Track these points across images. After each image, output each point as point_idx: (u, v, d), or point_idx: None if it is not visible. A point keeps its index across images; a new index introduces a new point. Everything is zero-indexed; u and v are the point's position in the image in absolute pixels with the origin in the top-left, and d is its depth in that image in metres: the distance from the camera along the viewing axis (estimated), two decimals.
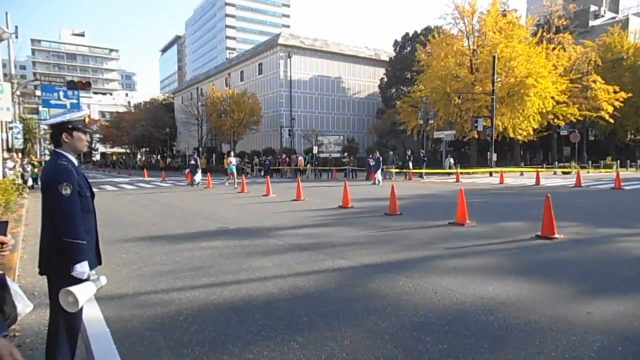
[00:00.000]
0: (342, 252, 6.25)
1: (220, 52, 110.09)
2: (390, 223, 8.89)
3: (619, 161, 34.57)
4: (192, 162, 21.25)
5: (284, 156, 33.08)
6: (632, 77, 36.91)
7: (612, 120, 34.54)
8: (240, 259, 5.93)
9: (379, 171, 21.61)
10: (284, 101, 43.89)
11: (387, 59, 45.87)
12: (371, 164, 22.42)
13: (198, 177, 20.99)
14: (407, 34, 43.16)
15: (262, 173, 30.98)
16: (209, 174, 22.30)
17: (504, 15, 31.56)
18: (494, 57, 27.28)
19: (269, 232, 7.99)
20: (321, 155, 35.07)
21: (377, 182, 21.03)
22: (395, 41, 43.92)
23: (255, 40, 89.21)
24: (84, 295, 2.34)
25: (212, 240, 7.32)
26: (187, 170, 23.58)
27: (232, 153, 21.64)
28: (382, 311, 3.86)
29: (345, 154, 31.72)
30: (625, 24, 49.08)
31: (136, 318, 3.81)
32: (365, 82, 48.27)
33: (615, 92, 33.98)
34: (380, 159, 22.43)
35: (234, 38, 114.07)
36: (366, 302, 4.12)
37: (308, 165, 30.82)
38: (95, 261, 2.66)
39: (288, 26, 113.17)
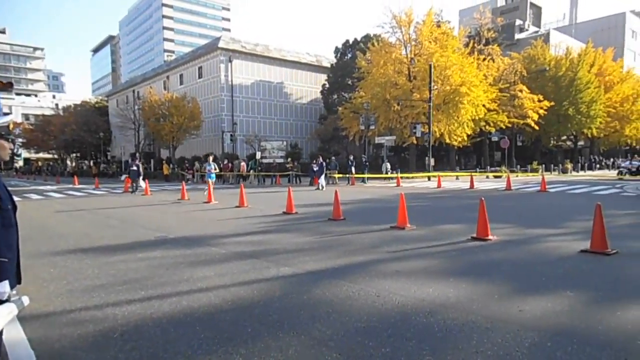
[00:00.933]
0: (286, 260, 6.20)
1: (158, 55, 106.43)
2: (334, 228, 8.96)
3: (543, 165, 37.22)
4: (134, 167, 20.33)
5: (226, 162, 32.45)
6: (554, 87, 39.94)
7: (537, 127, 37.22)
8: (180, 270, 5.71)
9: (323, 176, 21.80)
10: (226, 106, 43.15)
11: (328, 65, 46.49)
12: (315, 169, 22.57)
13: (142, 183, 20.18)
14: (347, 41, 44.01)
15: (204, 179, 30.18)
16: (146, 180, 21.38)
17: (439, 26, 33.09)
18: (430, 65, 28.49)
19: (211, 241, 7.77)
20: (264, 160, 34.80)
21: (320, 188, 21.18)
22: (336, 48, 44.65)
23: (194, 43, 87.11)
24: (3, 317, 2.13)
25: (151, 251, 6.99)
26: (125, 177, 22.51)
27: (210, 157, 18.33)
28: (327, 318, 3.86)
29: (289, 159, 31.68)
30: (547, 37, 53.10)
31: (65, 338, 3.53)
32: (307, 87, 48.62)
33: (539, 100, 36.65)
34: (324, 164, 22.66)
35: (172, 40, 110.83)
36: (311, 309, 4.10)
37: (251, 171, 30.47)
38: (15, 280, 2.43)
39: (228, 30, 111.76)
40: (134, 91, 54.25)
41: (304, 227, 9.28)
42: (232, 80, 42.93)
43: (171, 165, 37.80)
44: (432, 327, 3.61)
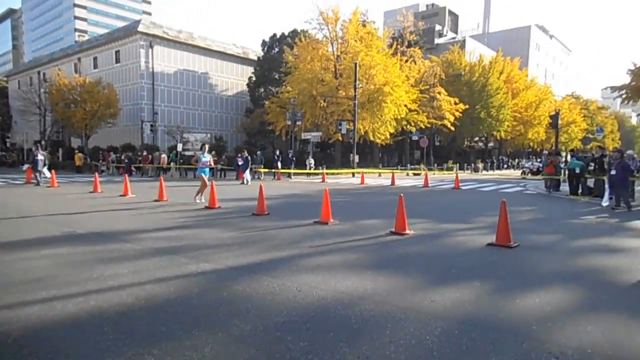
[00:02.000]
0: (206, 255, 6.02)
1: (68, 34, 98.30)
2: (258, 223, 8.86)
3: (458, 164, 39.76)
4: (39, 157, 18.59)
5: (145, 153, 30.79)
6: (468, 91, 42.76)
7: (453, 128, 39.65)
8: (89, 267, 5.31)
9: (248, 171, 21.49)
10: (146, 94, 40.89)
11: (255, 58, 45.81)
12: (240, 163, 22.17)
13: (47, 173, 18.54)
14: (274, 34, 43.65)
15: (121, 171, 28.46)
16: (53, 171, 19.66)
17: (364, 26, 33.93)
18: (355, 64, 29.15)
19: (126, 236, 7.33)
20: (187, 153, 33.53)
21: (245, 182, 20.87)
22: (264, 41, 44.11)
23: (111, 25, 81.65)
24: None
25: (56, 247, 6.43)
26: (27, 167, 20.54)
27: (206, 147, 12.84)
28: (246, 314, 3.80)
29: (213, 152, 30.79)
30: (463, 44, 56.68)
31: None
32: (234, 79, 47.54)
33: (455, 103, 39.04)
34: (249, 158, 22.34)
35: (84, 19, 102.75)
36: (230, 306, 4.02)
37: (172, 164, 29.20)
38: None
39: (149, 13, 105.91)
40: (39, 72, 49.53)
41: (227, 222, 9.08)
42: (153, 68, 40.75)
43: (83, 156, 35.05)
44: (349, 319, 3.70)
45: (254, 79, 43.91)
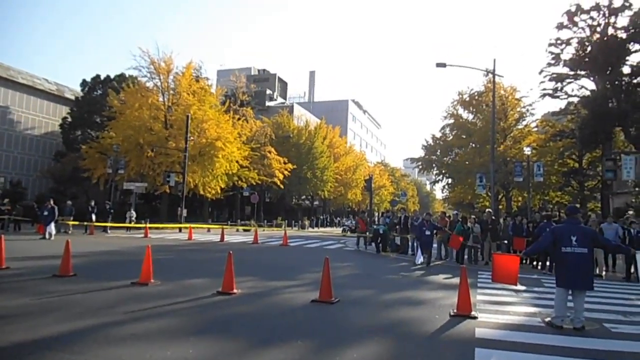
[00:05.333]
0: None
1: None
2: (60, 287, 7.53)
3: (286, 221, 41.26)
4: None
5: None
6: (296, 152, 45.61)
7: (282, 186, 41.42)
8: None
9: (52, 224, 18.47)
10: None
11: (72, 97, 41.33)
12: (45, 214, 18.84)
13: None
14: (98, 76, 40.34)
15: None
16: None
17: (198, 81, 33.93)
18: (187, 116, 28.62)
19: None
20: None
21: (48, 237, 17.88)
22: (84, 81, 40.25)
23: None
24: None
25: None
26: None
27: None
28: None
29: (6, 200, 25.79)
30: (291, 109, 61.03)
31: None
32: (43, 118, 41.66)
33: (285, 163, 41.13)
34: (55, 208, 19.28)
35: None
36: None
37: None
38: None
39: None
40: None
41: (17, 286, 7.51)
42: None
43: None
44: None
45: (69, 120, 39.24)
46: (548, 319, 6.28)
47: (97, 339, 4.66)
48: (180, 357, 4.20)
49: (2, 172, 37.38)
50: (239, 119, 37.72)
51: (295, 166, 42.46)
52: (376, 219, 25.22)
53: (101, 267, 10.71)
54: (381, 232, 17.42)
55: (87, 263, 10.96)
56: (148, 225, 23.60)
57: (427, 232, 13.53)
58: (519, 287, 7.51)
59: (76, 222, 22.02)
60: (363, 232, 19.58)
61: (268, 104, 65.45)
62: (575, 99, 28.35)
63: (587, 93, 26.67)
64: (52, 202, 19.07)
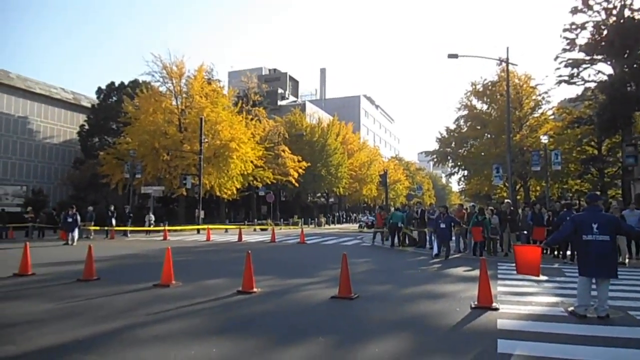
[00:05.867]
0: (12, 335, 4.93)
1: None
2: (84, 291, 7.70)
3: (302, 219, 41.39)
4: None
5: None
6: (310, 150, 45.69)
7: (297, 185, 41.53)
8: None
9: (76, 230, 18.85)
10: None
11: (89, 105, 42.00)
12: (69, 220, 19.19)
13: None
14: (112, 83, 40.95)
15: None
16: None
17: (209, 83, 34.21)
18: (201, 119, 28.88)
19: None
20: None
21: (71, 243, 18.26)
22: (100, 88, 40.90)
23: None
24: None
25: None
26: None
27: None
28: None
29: (29, 208, 26.43)
30: (303, 107, 61.10)
31: None
32: (61, 127, 42.50)
33: (299, 161, 41.23)
34: (77, 215, 19.66)
35: None
36: None
37: None
38: None
39: None
40: None
41: (43, 292, 7.69)
42: None
43: None
44: None
45: (87, 127, 39.94)
46: (571, 309, 6.19)
47: (122, 341, 4.76)
48: (204, 356, 4.26)
49: (24, 181, 38.27)
50: (251, 119, 37.92)
51: (309, 164, 42.51)
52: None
53: (123, 270, 10.90)
54: (399, 225, 17.35)
55: (110, 267, 11.17)
56: (167, 228, 23.94)
57: (443, 225, 13.41)
58: (541, 277, 7.40)
59: (97, 228, 22.44)
60: (380, 227, 19.51)
61: (280, 103, 65.65)
62: (592, 85, 27.68)
63: (605, 78, 26.03)
64: (74, 208, 19.47)
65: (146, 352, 4.40)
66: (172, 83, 32.16)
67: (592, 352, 4.45)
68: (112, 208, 24.15)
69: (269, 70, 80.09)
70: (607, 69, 26.41)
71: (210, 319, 5.86)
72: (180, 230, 27.66)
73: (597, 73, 27.08)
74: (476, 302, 6.52)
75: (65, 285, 8.30)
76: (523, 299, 7.15)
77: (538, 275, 6.83)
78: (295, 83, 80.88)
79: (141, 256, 14.36)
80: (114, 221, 23.16)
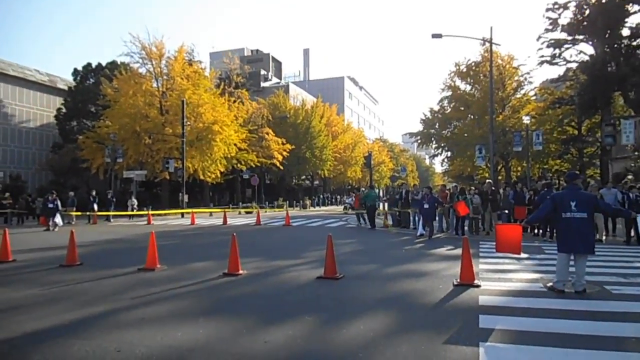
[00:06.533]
0: None
1: None
2: (67, 276, 7.62)
3: (287, 202, 41.40)
4: None
5: None
6: (294, 132, 45.43)
7: (282, 167, 41.40)
8: None
9: (58, 215, 18.55)
10: None
11: (65, 87, 40.93)
12: (49, 206, 18.84)
13: None
14: (89, 64, 39.85)
15: None
16: None
17: (190, 64, 33.49)
18: (182, 101, 28.39)
19: None
20: None
21: (52, 228, 17.99)
22: (76, 70, 39.75)
23: None
24: None
25: None
26: None
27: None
28: None
29: (7, 194, 25.84)
30: (286, 89, 60.46)
31: None
32: (37, 110, 41.37)
33: (283, 143, 41.01)
34: (58, 200, 19.33)
35: None
36: None
37: None
38: None
39: None
40: None
41: (25, 278, 7.60)
42: None
43: None
44: None
45: (64, 110, 38.96)
46: (550, 284, 6.37)
47: (108, 325, 4.75)
48: (191, 337, 4.28)
49: (0, 167, 37.35)
50: (234, 101, 37.43)
51: (293, 146, 42.33)
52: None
53: (107, 255, 10.81)
54: (368, 205, 17.55)
55: (93, 252, 11.06)
56: (150, 212, 23.71)
57: (426, 206, 13.59)
58: (521, 255, 7.58)
59: (79, 213, 22.12)
60: (358, 209, 19.64)
61: (263, 84, 64.81)
62: (574, 65, 28.03)
63: (586, 58, 26.36)
64: (55, 194, 19.12)
65: (133, 334, 4.40)
66: (152, 64, 31.46)
67: (571, 325, 4.60)
68: (94, 193, 23.80)
69: (252, 51, 78.78)
70: (588, 49, 26.74)
71: (196, 301, 5.87)
72: (164, 214, 27.43)
73: (579, 53, 27.41)
74: (458, 280, 6.66)
75: (48, 271, 8.20)
76: (504, 276, 7.33)
77: (519, 254, 6.99)
78: (278, 64, 79.80)
79: (125, 241, 14.24)
80: (95, 206, 22.84)
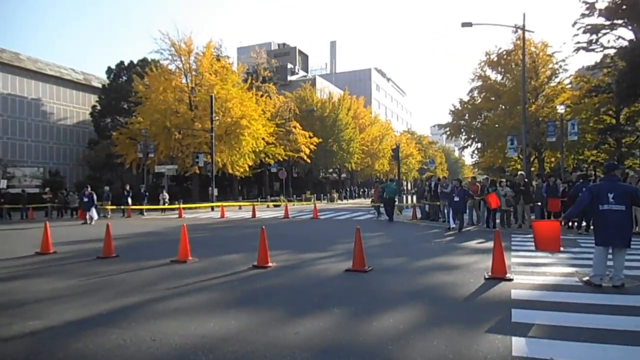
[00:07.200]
0: (37, 311, 5.11)
1: None
2: (104, 268, 7.91)
3: (315, 195, 41.54)
4: None
5: None
6: (321, 125, 45.46)
7: (309, 161, 41.56)
8: None
9: (93, 209, 19.22)
10: None
11: (99, 85, 42.17)
12: (85, 200, 19.57)
13: None
14: (122, 62, 40.94)
15: None
16: None
17: (218, 60, 33.95)
18: (211, 96, 28.81)
19: None
20: (11, 191, 28.75)
21: (89, 222, 18.66)
22: (109, 68, 40.95)
23: None
24: None
25: None
26: None
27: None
28: None
29: (47, 189, 26.96)
30: (313, 82, 60.44)
31: None
32: (74, 108, 42.85)
33: (310, 137, 41.10)
34: (94, 194, 20.03)
35: None
36: None
37: None
38: None
39: None
40: None
41: (64, 269, 7.92)
42: None
43: None
44: None
45: (98, 108, 40.23)
46: (586, 278, 6.18)
47: (143, 315, 4.90)
48: (223, 327, 4.37)
49: (40, 163, 38.95)
50: (262, 95, 37.72)
51: (320, 140, 42.36)
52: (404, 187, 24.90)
53: (141, 248, 11.14)
54: (387, 197, 17.38)
55: (128, 244, 11.42)
56: (181, 205, 24.25)
57: (457, 198, 13.37)
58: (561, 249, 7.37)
59: (114, 207, 22.86)
60: (378, 202, 19.47)
61: (290, 78, 64.99)
62: (612, 51, 26.81)
63: (625, 44, 25.17)
64: (89, 188, 19.80)
65: (167, 323, 4.53)
66: (181, 60, 32.05)
67: (609, 321, 4.46)
68: (128, 187, 24.51)
69: (278, 45, 79.06)
70: (627, 34, 25.56)
71: (227, 293, 5.99)
72: (195, 208, 27.99)
73: (617, 39, 26.22)
74: (490, 273, 6.55)
75: (86, 263, 8.52)
76: (537, 270, 7.15)
77: (559, 251, 6.77)
78: (305, 57, 79.82)
79: (158, 234, 14.64)
80: (129, 200, 23.53)
